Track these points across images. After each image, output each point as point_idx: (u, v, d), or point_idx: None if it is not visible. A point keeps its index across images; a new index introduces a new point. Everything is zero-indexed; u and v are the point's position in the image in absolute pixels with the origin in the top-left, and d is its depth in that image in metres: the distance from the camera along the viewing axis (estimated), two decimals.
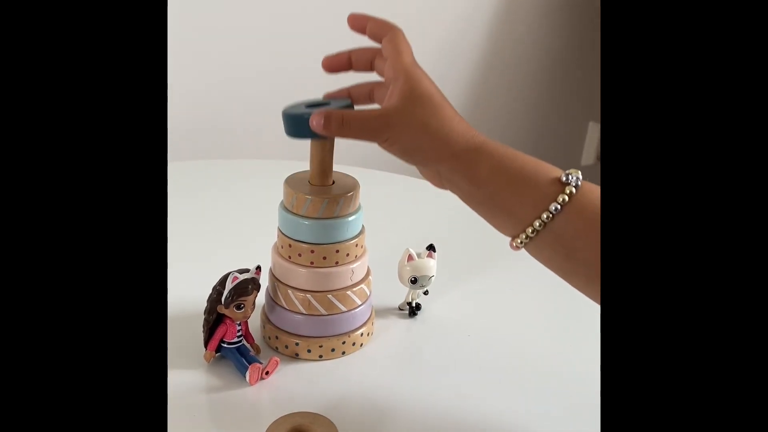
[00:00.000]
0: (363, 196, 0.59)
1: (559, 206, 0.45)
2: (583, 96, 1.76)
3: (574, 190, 0.46)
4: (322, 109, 0.50)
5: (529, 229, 0.46)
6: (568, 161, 1.86)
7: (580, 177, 0.47)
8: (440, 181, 0.51)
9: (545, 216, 0.46)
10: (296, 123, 0.52)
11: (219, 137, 1.25)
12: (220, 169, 1.02)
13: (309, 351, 0.58)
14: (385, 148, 0.49)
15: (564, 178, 0.46)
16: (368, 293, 0.61)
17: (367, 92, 0.56)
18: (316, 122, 0.50)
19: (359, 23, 0.53)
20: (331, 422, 0.50)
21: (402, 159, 0.50)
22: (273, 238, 0.60)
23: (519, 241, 0.47)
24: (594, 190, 0.46)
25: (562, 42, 1.67)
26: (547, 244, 0.47)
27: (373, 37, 0.53)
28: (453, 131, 0.48)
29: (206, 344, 0.57)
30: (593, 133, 1.85)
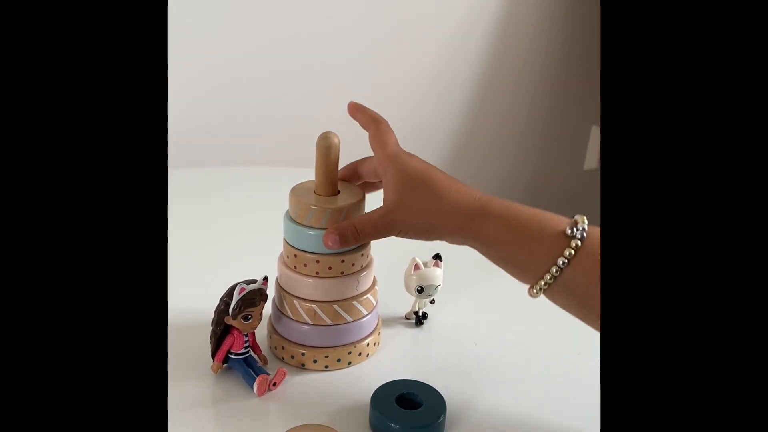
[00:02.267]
0: (368, 204, 0.59)
1: (566, 260, 0.47)
2: (586, 100, 1.76)
3: (579, 242, 0.47)
4: (333, 227, 0.53)
5: (542, 282, 0.49)
6: (571, 165, 1.85)
7: (586, 226, 0.48)
8: (461, 244, 0.53)
9: (554, 270, 0.48)
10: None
11: (224, 144, 1.25)
12: (226, 177, 1.02)
13: (315, 361, 0.58)
14: (402, 236, 0.53)
15: (569, 231, 0.48)
16: (374, 303, 0.60)
17: (354, 172, 0.59)
18: (331, 241, 0.53)
19: (353, 112, 0.57)
20: None
21: (421, 239, 0.53)
22: (280, 247, 0.60)
23: (535, 291, 0.50)
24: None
25: (565, 46, 1.67)
26: (560, 294, 0.49)
27: (363, 127, 0.57)
28: (454, 202, 0.51)
29: (214, 355, 0.56)
30: (596, 137, 1.85)
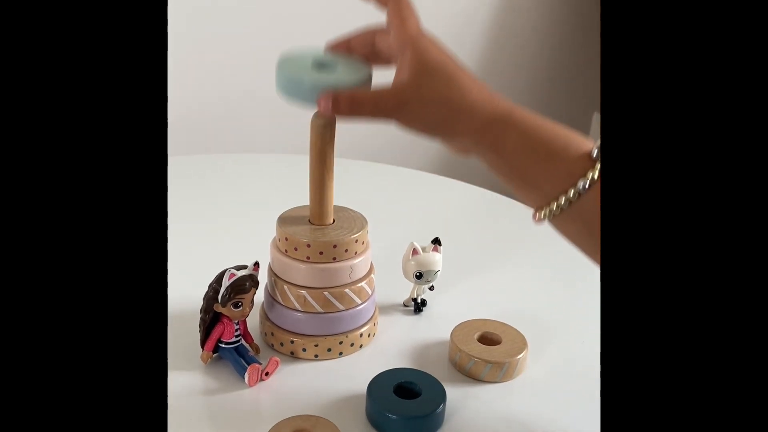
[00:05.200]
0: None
1: (587, 183, 0.42)
2: (587, 87, 1.74)
3: None
4: (328, 91, 0.46)
5: (554, 204, 0.44)
6: None
7: None
8: (465, 152, 0.48)
9: (571, 193, 0.43)
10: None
11: (216, 131, 1.23)
12: (219, 164, 1.00)
13: (304, 350, 0.56)
14: (403, 126, 0.46)
15: (595, 153, 0.43)
16: (370, 292, 0.58)
17: (370, 42, 0.51)
18: (323, 106, 0.46)
19: None
20: (335, 425, 0.48)
21: (423, 135, 0.47)
22: (274, 233, 0.58)
23: (542, 214, 0.45)
24: None
25: (566, 32, 1.65)
26: (572, 221, 0.44)
27: (378, 3, 0.49)
28: (475, 101, 0.45)
29: (203, 344, 0.54)
30: (598, 124, 1.83)
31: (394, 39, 0.47)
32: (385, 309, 0.64)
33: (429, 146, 1.53)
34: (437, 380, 0.52)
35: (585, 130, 1.84)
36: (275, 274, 0.57)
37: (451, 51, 0.48)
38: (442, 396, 0.50)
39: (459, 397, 0.53)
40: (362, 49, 0.51)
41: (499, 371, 0.55)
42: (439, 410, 0.49)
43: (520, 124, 0.45)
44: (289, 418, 0.48)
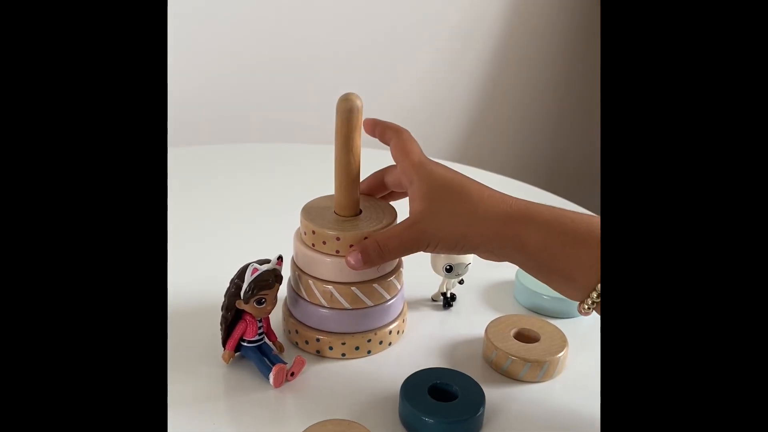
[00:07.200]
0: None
1: None
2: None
3: None
4: (356, 246, 0.49)
5: (594, 294, 0.43)
6: (589, 139, 1.80)
7: None
8: (497, 258, 0.47)
9: None
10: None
11: (239, 120, 1.21)
12: (238, 154, 0.97)
13: (331, 348, 0.53)
14: (430, 251, 0.49)
15: None
16: (399, 287, 0.55)
17: (380, 182, 0.55)
18: (354, 260, 0.49)
19: (371, 128, 0.54)
20: (368, 430, 0.45)
21: (452, 254, 0.49)
22: (295, 225, 0.55)
23: (586, 306, 0.44)
24: None
25: (583, 16, 1.62)
26: None
27: (382, 140, 0.53)
28: (488, 208, 0.46)
29: (224, 343, 0.52)
30: None
31: (400, 171, 0.50)
32: (412, 304, 0.61)
33: (448, 135, 1.50)
34: (474, 380, 0.49)
35: (595, 135, 1.81)
36: (299, 269, 0.54)
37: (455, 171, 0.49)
38: (481, 398, 0.47)
39: (497, 399, 0.50)
40: (376, 191, 0.55)
41: (539, 370, 0.51)
42: (479, 413, 0.46)
43: (537, 218, 0.45)
44: (319, 423, 0.45)
